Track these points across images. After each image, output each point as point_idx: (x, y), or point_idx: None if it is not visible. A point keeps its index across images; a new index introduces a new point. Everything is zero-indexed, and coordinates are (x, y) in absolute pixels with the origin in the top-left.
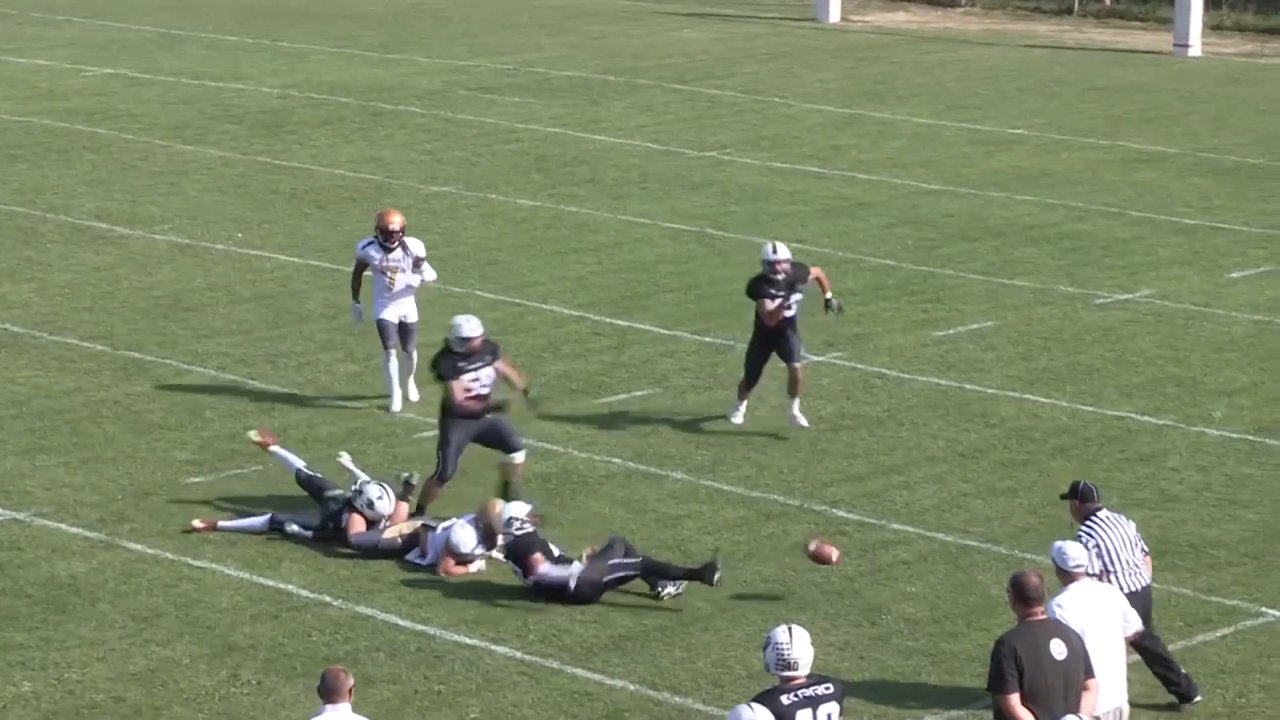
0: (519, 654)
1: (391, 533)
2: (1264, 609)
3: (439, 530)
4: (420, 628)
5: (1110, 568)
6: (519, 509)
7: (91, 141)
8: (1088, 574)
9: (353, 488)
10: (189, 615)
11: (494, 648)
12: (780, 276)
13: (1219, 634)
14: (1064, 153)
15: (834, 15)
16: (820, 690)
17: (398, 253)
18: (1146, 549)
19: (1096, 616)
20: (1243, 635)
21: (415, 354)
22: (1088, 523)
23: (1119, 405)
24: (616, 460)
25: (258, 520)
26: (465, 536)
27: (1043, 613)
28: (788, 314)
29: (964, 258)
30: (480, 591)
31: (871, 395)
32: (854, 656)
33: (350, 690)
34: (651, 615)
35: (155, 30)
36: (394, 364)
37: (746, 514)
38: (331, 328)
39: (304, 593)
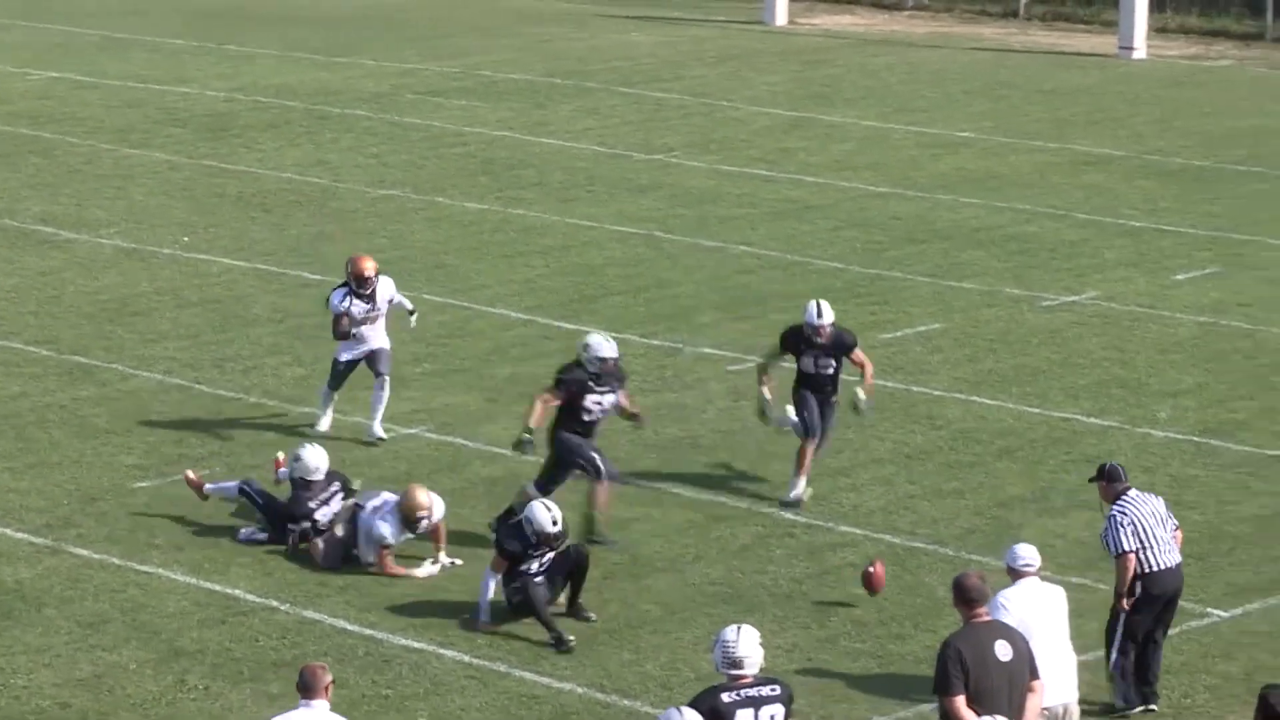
0: (467, 657)
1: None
2: (1209, 609)
3: (367, 511)
4: (368, 632)
5: (1145, 543)
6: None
7: (36, 145)
8: (1040, 574)
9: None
10: (136, 620)
11: (442, 651)
12: (821, 340)
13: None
14: (1011, 155)
15: (781, 18)
16: (765, 691)
17: (376, 301)
18: (1178, 524)
19: (1041, 614)
20: (1188, 636)
21: (388, 383)
22: (1119, 502)
23: (1065, 407)
24: None
25: (230, 485)
26: (385, 529)
27: (986, 614)
28: (826, 371)
29: (911, 260)
30: (428, 595)
31: None
32: (801, 658)
33: (328, 688)
34: (600, 619)
35: (100, 34)
36: (334, 398)
37: (695, 517)
38: (278, 331)
39: (251, 597)
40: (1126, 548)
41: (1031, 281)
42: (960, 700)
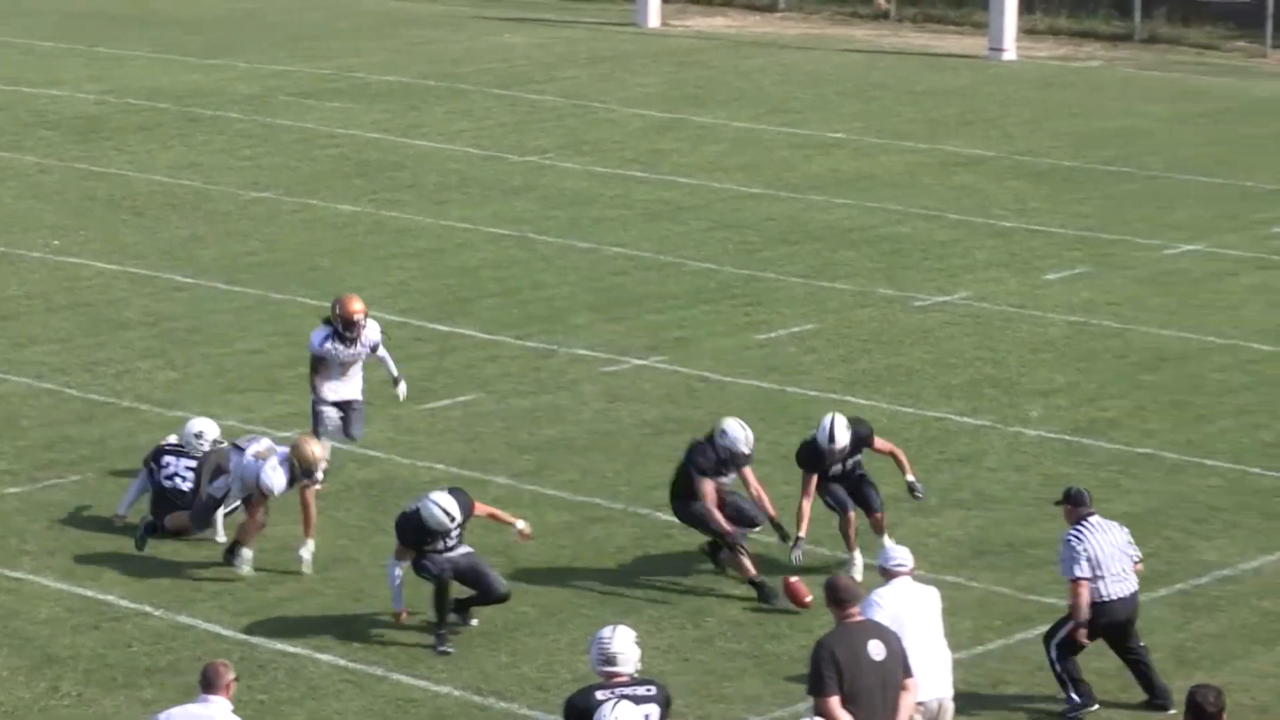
0: (343, 661)
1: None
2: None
3: (248, 457)
4: (243, 637)
5: (1097, 573)
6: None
7: None
8: (913, 574)
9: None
10: (7, 627)
11: (317, 655)
12: (839, 455)
13: (1038, 632)
14: (883, 156)
15: (654, 20)
16: (641, 691)
17: (358, 345)
18: (1139, 557)
19: (913, 611)
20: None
21: (359, 439)
22: (1077, 527)
23: (938, 406)
24: (440, 466)
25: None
26: (276, 479)
27: (859, 614)
28: (854, 468)
29: (784, 261)
30: (302, 599)
31: (694, 398)
32: (678, 659)
33: (229, 685)
34: (477, 621)
35: None
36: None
37: (571, 519)
38: (150, 335)
39: (124, 603)
40: (1077, 574)
41: (904, 282)
42: (834, 700)
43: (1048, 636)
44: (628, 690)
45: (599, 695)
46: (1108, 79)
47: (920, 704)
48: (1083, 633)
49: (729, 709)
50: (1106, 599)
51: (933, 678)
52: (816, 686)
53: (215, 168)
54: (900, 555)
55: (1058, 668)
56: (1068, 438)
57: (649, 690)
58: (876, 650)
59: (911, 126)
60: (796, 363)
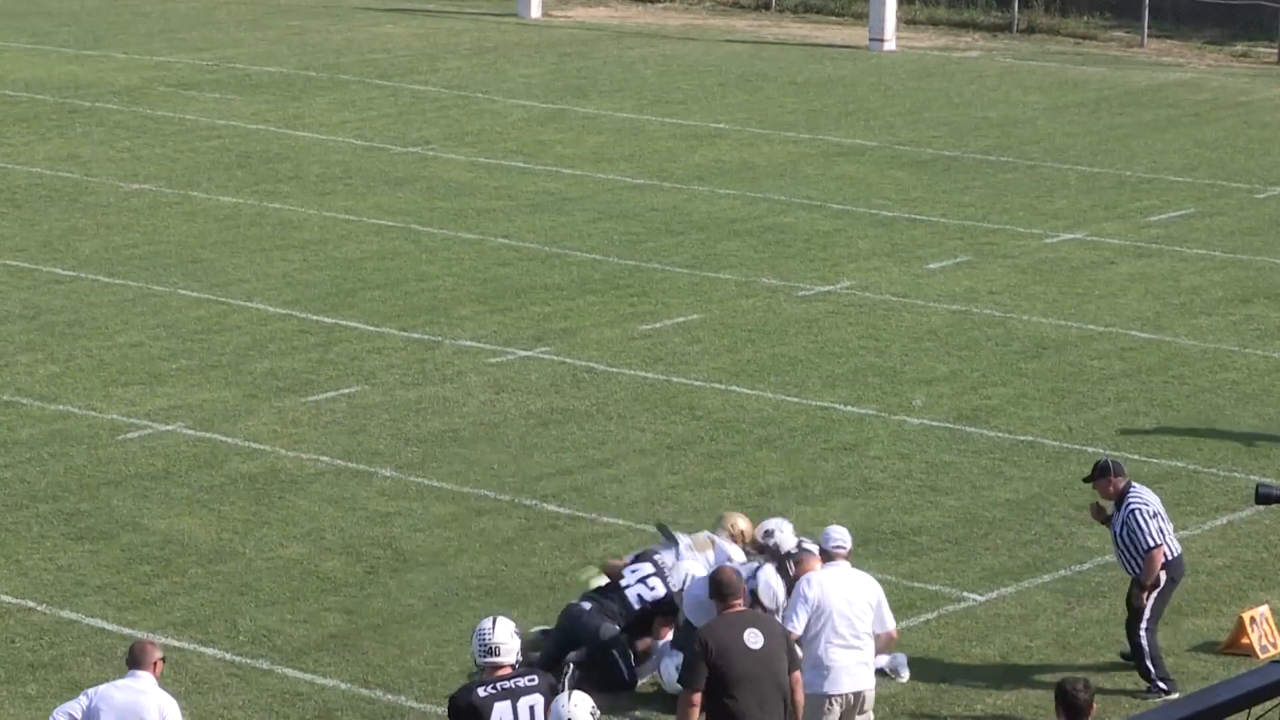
0: (228, 655)
1: None
2: (965, 594)
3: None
4: (127, 631)
5: (1165, 531)
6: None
7: None
8: (848, 557)
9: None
10: None
11: (203, 649)
12: None
13: (922, 619)
14: (765, 146)
15: (536, 11)
16: (524, 682)
17: None
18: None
19: (841, 598)
20: (945, 620)
21: None
22: (1134, 495)
23: (822, 395)
24: (325, 458)
25: None
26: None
27: (741, 605)
28: None
29: (669, 251)
30: (187, 594)
31: (580, 389)
32: None
33: (157, 664)
34: (363, 614)
35: None
36: None
37: (457, 510)
38: (30, 329)
39: (6, 598)
40: (1156, 542)
41: (787, 271)
42: (695, 696)
43: (1135, 625)
44: (509, 683)
45: (481, 692)
46: (987, 69)
47: (837, 696)
48: (1148, 596)
49: (615, 700)
50: (1174, 555)
51: (852, 670)
52: (685, 678)
53: (95, 159)
54: (840, 536)
55: (1152, 652)
56: (950, 425)
57: (531, 680)
58: (753, 639)
59: (793, 117)
60: (681, 353)
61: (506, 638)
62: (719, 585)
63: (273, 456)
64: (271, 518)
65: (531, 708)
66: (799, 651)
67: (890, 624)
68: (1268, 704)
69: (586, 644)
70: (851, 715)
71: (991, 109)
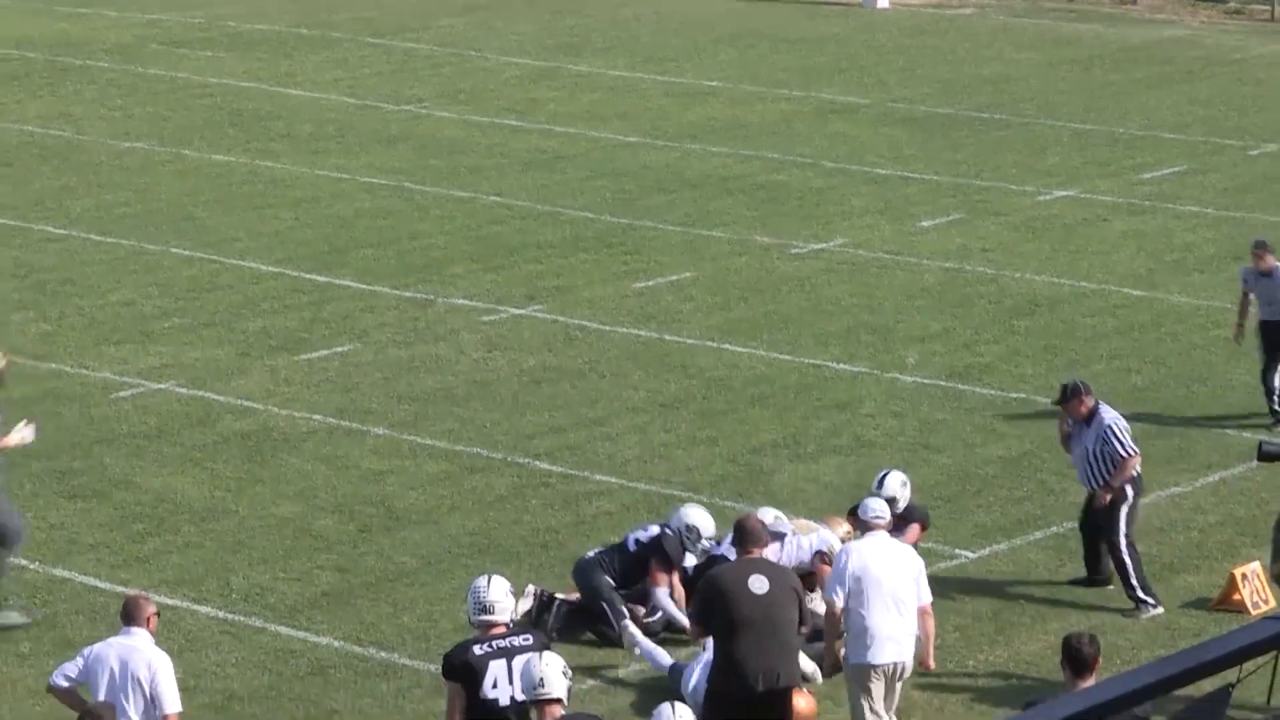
0: (222, 613)
1: None
2: (957, 550)
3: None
4: (120, 589)
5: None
6: None
7: None
8: (886, 528)
9: None
10: None
11: (196, 608)
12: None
13: None
14: (758, 104)
15: None
16: (518, 641)
17: None
18: None
19: (880, 568)
20: (937, 577)
21: None
22: (1105, 411)
23: (815, 353)
24: (318, 417)
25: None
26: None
27: (758, 553)
28: None
29: (662, 209)
30: (181, 551)
31: (572, 347)
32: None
33: (150, 619)
34: (356, 572)
35: None
36: None
37: (450, 468)
38: (23, 287)
39: None
40: (1134, 450)
41: (781, 229)
42: (696, 629)
43: (1115, 537)
44: (504, 642)
45: (477, 650)
46: (980, 26)
47: (881, 666)
48: (1107, 496)
49: (610, 655)
50: (1138, 469)
51: (897, 639)
52: (692, 615)
53: (86, 118)
54: (878, 508)
55: (1135, 568)
56: (943, 383)
57: (526, 639)
58: (758, 584)
59: (786, 74)
60: (674, 311)
61: (501, 596)
62: (741, 532)
63: (265, 415)
64: (264, 476)
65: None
66: (837, 622)
67: (926, 597)
68: (1259, 659)
69: (585, 593)
70: (893, 691)
71: (985, 66)
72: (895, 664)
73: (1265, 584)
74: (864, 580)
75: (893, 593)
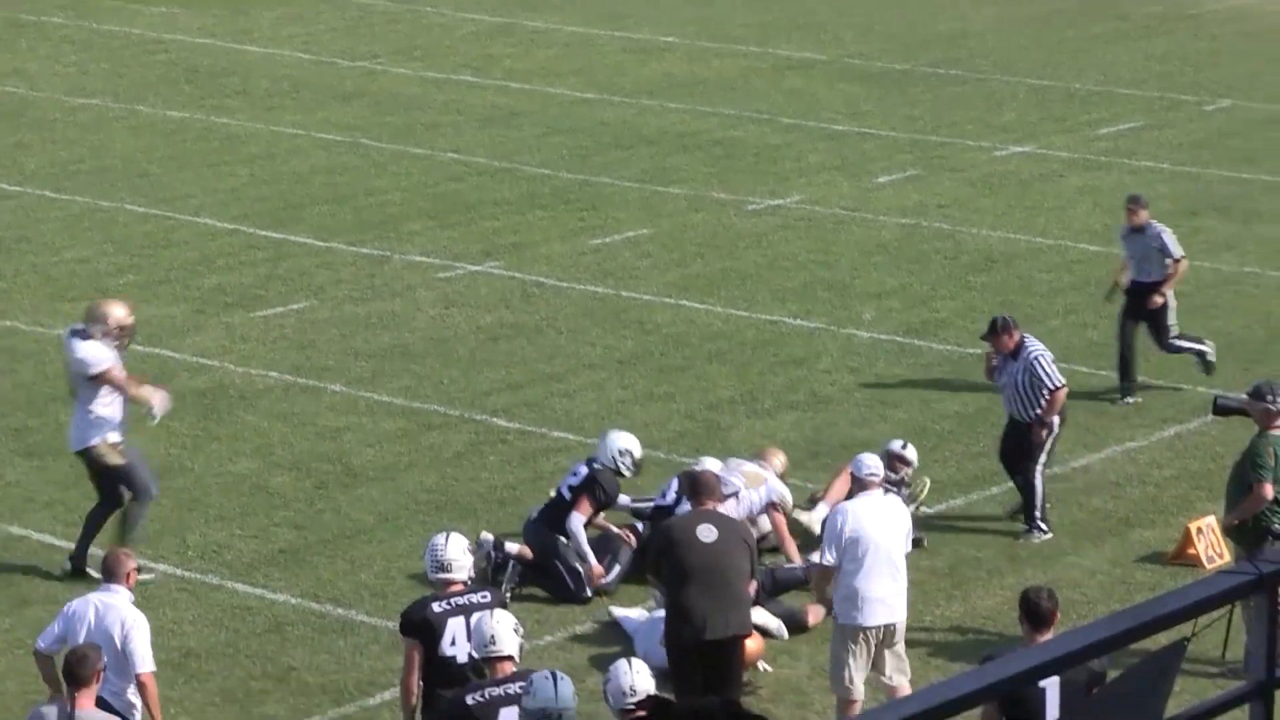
0: (178, 570)
1: None
2: (913, 505)
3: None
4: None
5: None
6: None
7: None
8: (883, 485)
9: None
10: None
11: (152, 565)
12: (896, 476)
13: None
14: (715, 60)
15: None
16: (476, 599)
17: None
18: None
19: (876, 527)
20: None
21: None
22: (1032, 343)
23: (772, 309)
24: (274, 374)
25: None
26: (96, 351)
27: (712, 505)
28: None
29: (618, 166)
30: None
31: (529, 304)
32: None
33: (130, 575)
34: (313, 529)
35: None
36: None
37: (407, 425)
38: None
39: None
40: (1062, 382)
41: (737, 186)
42: (652, 578)
43: (1033, 463)
44: (462, 599)
45: (435, 607)
46: None
47: (872, 629)
48: (1046, 433)
49: (567, 613)
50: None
51: (888, 602)
52: (646, 564)
53: (40, 74)
54: (873, 464)
55: (1042, 494)
56: (900, 339)
57: (484, 597)
58: (707, 533)
59: (743, 30)
60: (631, 267)
61: (459, 554)
62: (694, 484)
63: (221, 372)
64: (220, 433)
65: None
66: (827, 580)
67: (906, 546)
68: (1214, 614)
69: (538, 553)
70: (888, 650)
71: (941, 22)
72: (885, 626)
73: (1220, 538)
74: (858, 542)
75: (887, 554)
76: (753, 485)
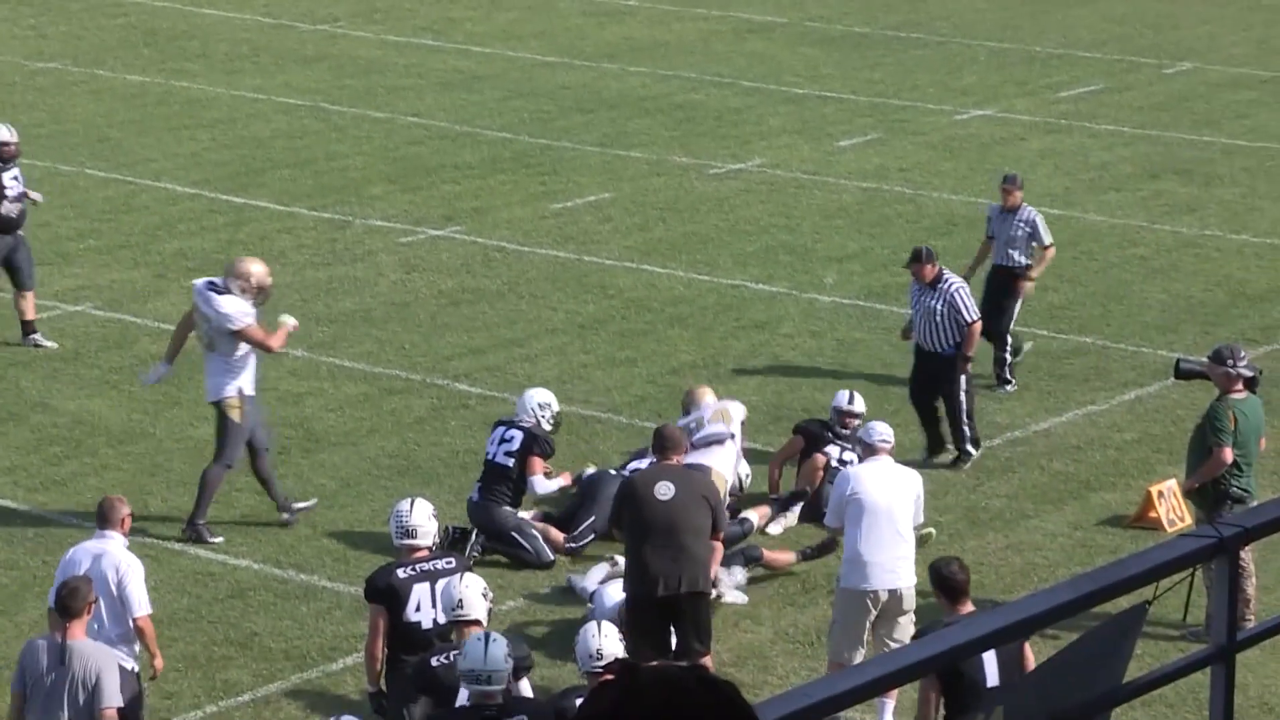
0: (140, 536)
1: None
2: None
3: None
4: (37, 513)
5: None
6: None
7: None
8: (891, 452)
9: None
10: None
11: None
12: (847, 432)
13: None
14: (676, 24)
15: None
16: (441, 564)
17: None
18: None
19: (882, 495)
20: None
21: None
22: (950, 277)
23: (734, 274)
24: None
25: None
26: (237, 305)
27: (678, 459)
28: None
29: (580, 130)
30: (99, 474)
31: (491, 269)
32: None
33: (124, 520)
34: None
35: None
36: None
37: (369, 390)
38: None
39: None
40: (978, 315)
41: (698, 150)
42: (616, 531)
43: (955, 388)
44: (427, 565)
45: (400, 573)
46: None
47: (871, 592)
48: (968, 365)
49: (531, 577)
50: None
51: (889, 566)
52: (610, 518)
53: None
54: (884, 431)
55: (969, 409)
56: (861, 303)
57: (449, 563)
58: (664, 490)
59: None
60: (593, 232)
61: (424, 520)
62: (659, 439)
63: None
64: (182, 398)
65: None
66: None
67: (920, 518)
68: (1175, 577)
69: (491, 533)
70: (892, 615)
71: None
72: (887, 591)
73: (1181, 501)
74: (862, 507)
75: (890, 520)
76: (725, 422)
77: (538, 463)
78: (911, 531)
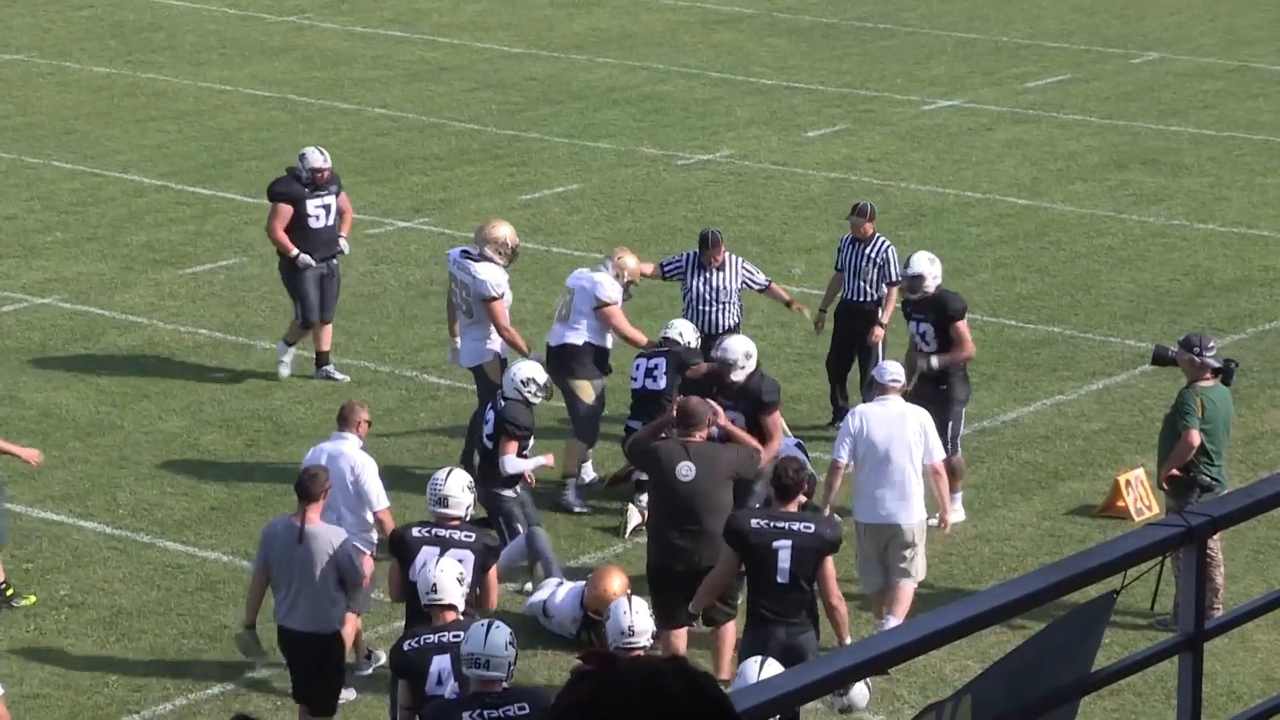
0: (108, 529)
1: None
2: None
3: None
4: (6, 505)
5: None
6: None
7: None
8: (900, 391)
9: None
10: None
11: (82, 523)
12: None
13: None
14: (643, 14)
15: None
16: (460, 536)
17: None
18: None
19: (885, 431)
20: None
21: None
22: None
23: None
24: (204, 331)
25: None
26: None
27: (696, 436)
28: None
29: (548, 121)
30: (65, 466)
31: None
32: None
33: (361, 425)
34: (245, 486)
35: None
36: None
37: (337, 382)
38: None
39: None
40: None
41: (667, 141)
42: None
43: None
44: (444, 531)
45: (415, 531)
46: None
47: (867, 525)
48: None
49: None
50: None
51: (888, 503)
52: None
53: None
54: (895, 370)
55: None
56: None
57: (468, 536)
58: (684, 471)
59: None
60: (561, 223)
61: (457, 490)
62: (682, 413)
63: (150, 329)
64: (150, 391)
65: (460, 561)
66: (836, 477)
67: (938, 455)
68: (1144, 566)
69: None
70: (895, 551)
71: None
72: (888, 525)
73: (1150, 490)
74: (864, 444)
75: (887, 456)
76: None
77: (506, 444)
78: (919, 467)
